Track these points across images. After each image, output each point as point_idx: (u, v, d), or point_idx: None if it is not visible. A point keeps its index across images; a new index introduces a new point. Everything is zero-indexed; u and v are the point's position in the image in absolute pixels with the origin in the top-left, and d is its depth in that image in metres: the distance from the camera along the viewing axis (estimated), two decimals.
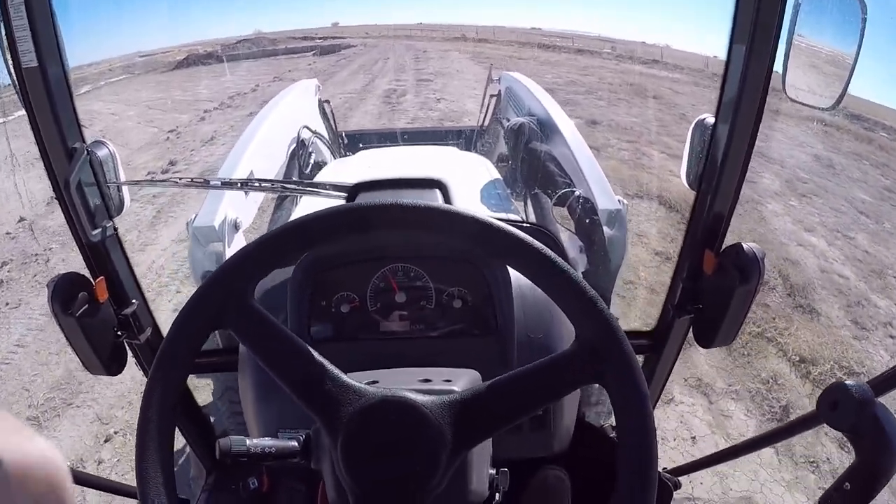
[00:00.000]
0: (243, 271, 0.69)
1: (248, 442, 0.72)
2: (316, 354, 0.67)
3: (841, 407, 0.76)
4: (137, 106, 13.00)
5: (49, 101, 1.01)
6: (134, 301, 1.24)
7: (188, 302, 0.68)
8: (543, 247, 0.66)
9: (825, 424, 0.81)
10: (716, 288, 1.16)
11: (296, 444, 0.74)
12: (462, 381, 0.77)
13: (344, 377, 0.66)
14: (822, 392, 0.79)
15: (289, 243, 0.70)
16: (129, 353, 1.26)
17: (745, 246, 1.10)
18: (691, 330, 1.29)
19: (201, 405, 1.49)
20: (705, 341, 1.24)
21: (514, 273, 1.05)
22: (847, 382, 0.76)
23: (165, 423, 0.66)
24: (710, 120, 1.13)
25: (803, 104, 1.08)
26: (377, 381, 0.75)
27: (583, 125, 8.12)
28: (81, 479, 1.20)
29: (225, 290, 0.68)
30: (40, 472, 0.35)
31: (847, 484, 0.77)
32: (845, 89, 1.00)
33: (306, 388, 0.66)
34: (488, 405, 0.64)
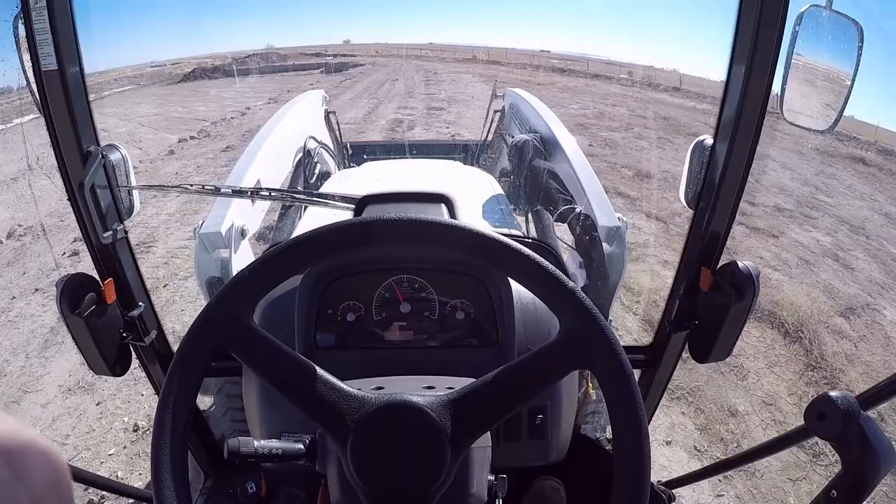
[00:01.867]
0: (240, 296, 0.71)
1: (255, 443, 0.74)
2: (318, 369, 0.70)
3: (827, 418, 0.79)
4: (131, 122, 12.63)
5: (67, 103, 1.03)
6: (141, 304, 1.26)
7: (190, 329, 0.71)
8: (517, 244, 0.70)
9: (814, 435, 0.82)
10: (711, 304, 1.18)
11: (301, 446, 0.76)
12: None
13: (345, 387, 0.69)
14: (809, 403, 0.81)
15: (283, 264, 0.72)
16: (134, 355, 1.28)
17: (740, 264, 1.13)
18: (687, 345, 1.31)
19: (201, 409, 1.50)
20: (700, 356, 1.26)
21: (515, 287, 1.07)
22: (833, 394, 0.79)
23: (177, 445, 0.68)
24: (709, 141, 1.15)
25: (800, 126, 1.10)
26: (383, 388, 0.78)
27: (633, 178, 7.61)
28: (82, 477, 1.20)
29: (224, 315, 0.71)
30: (41, 472, 0.36)
31: (834, 492, 0.79)
32: (842, 112, 1.03)
33: (311, 402, 0.69)
34: (485, 398, 0.68)
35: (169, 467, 0.66)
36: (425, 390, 0.76)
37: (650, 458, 0.64)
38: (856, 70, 0.99)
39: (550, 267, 0.69)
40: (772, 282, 4.67)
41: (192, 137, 10.34)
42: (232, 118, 12.63)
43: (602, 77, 26.36)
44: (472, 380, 0.84)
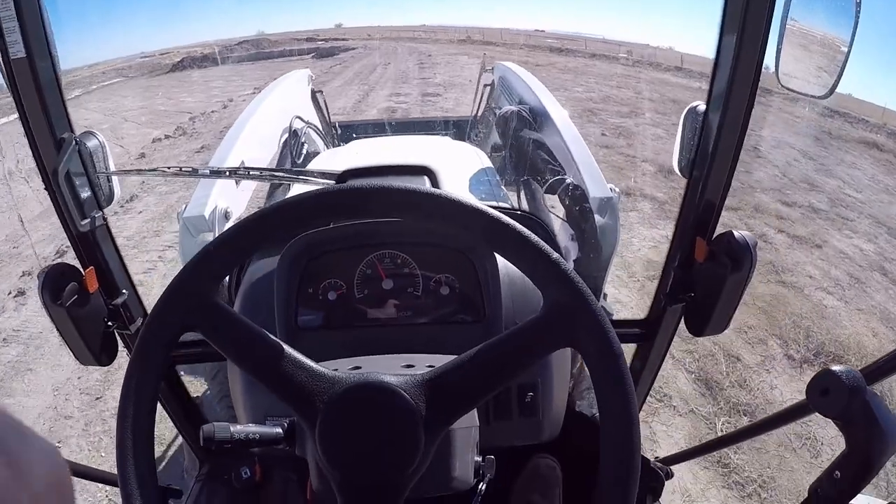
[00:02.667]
0: (204, 271, 0.68)
1: (231, 429, 0.72)
2: (286, 347, 0.67)
3: (831, 394, 0.75)
4: (115, 116, 12.15)
5: (38, 91, 1.00)
6: (124, 291, 1.24)
7: (155, 306, 0.68)
8: (496, 212, 0.66)
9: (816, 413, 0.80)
10: (707, 276, 1.16)
11: (280, 430, 0.75)
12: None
13: (315, 366, 0.66)
14: (811, 379, 0.78)
15: (249, 238, 0.69)
16: (120, 344, 1.26)
17: (736, 234, 1.11)
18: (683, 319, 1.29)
19: (194, 395, 1.49)
20: (697, 329, 1.24)
21: (501, 261, 1.05)
22: (837, 369, 0.75)
23: (143, 424, 0.65)
24: (702, 107, 1.13)
25: (796, 92, 1.08)
26: (360, 368, 0.76)
27: (657, 174, 6.87)
28: (78, 471, 1.20)
29: (188, 291, 0.67)
30: (41, 471, 0.34)
31: (837, 472, 0.76)
32: (839, 78, 1.00)
33: (279, 381, 0.65)
34: (463, 378, 0.64)
35: (132, 452, 0.63)
36: (404, 369, 0.75)
37: (640, 441, 0.61)
38: (853, 36, 0.96)
39: (532, 236, 0.65)
40: (828, 311, 4.22)
41: (167, 136, 9.72)
42: (212, 112, 11.94)
43: (601, 57, 26.04)
44: (453, 357, 0.82)
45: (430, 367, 0.73)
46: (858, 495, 0.77)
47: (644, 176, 6.98)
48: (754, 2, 0.96)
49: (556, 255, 0.64)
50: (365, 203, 0.67)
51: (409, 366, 0.77)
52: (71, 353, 1.18)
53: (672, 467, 1.43)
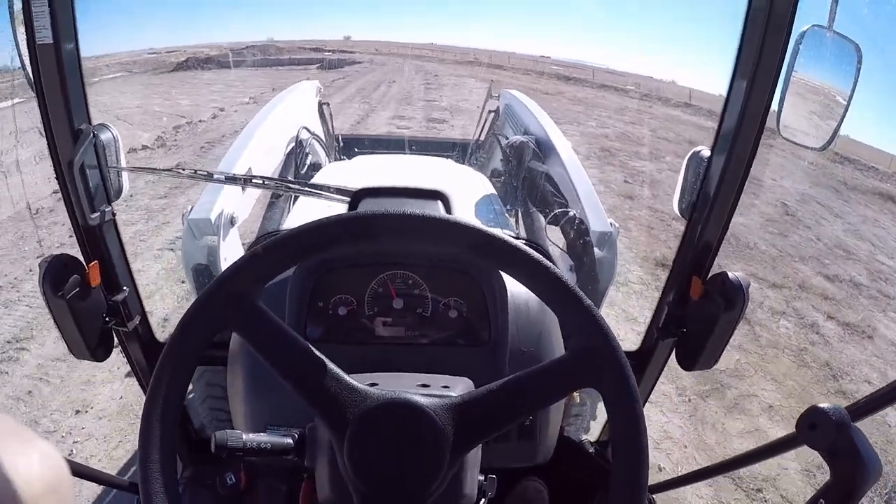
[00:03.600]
0: (251, 273, 0.70)
1: (244, 437, 0.72)
2: (323, 357, 0.69)
3: (819, 429, 0.79)
4: (109, 113, 11.56)
5: (60, 79, 1.00)
6: (125, 288, 1.23)
7: (194, 303, 0.69)
8: (541, 257, 0.69)
9: (805, 445, 0.83)
10: (701, 313, 1.19)
11: (290, 441, 0.75)
12: (459, 387, 0.79)
13: (348, 379, 0.68)
14: (801, 414, 0.81)
15: (298, 247, 0.71)
16: (116, 341, 1.26)
17: (730, 275, 1.14)
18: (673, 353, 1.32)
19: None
20: (687, 364, 1.27)
21: (509, 287, 1.07)
22: (825, 406, 0.79)
23: (169, 422, 0.67)
24: (705, 152, 1.17)
25: (796, 143, 1.12)
26: (377, 384, 0.77)
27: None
28: (78, 471, 1.19)
29: (232, 291, 0.69)
30: (40, 474, 0.35)
31: (822, 501, 0.79)
32: (837, 130, 1.04)
33: (311, 388, 0.67)
34: (489, 407, 0.67)
35: (158, 462, 0.65)
36: (420, 388, 0.76)
37: (647, 481, 0.65)
38: (853, 91, 1.00)
39: (569, 282, 0.68)
40: None
41: (144, 147, 9.09)
42: (200, 121, 11.36)
43: (609, 88, 26.06)
44: (463, 379, 0.83)
45: (444, 387, 0.76)
46: None
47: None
48: (767, 52, 0.99)
49: (588, 300, 0.67)
50: (442, 235, 0.71)
51: (424, 385, 0.78)
52: (66, 346, 1.18)
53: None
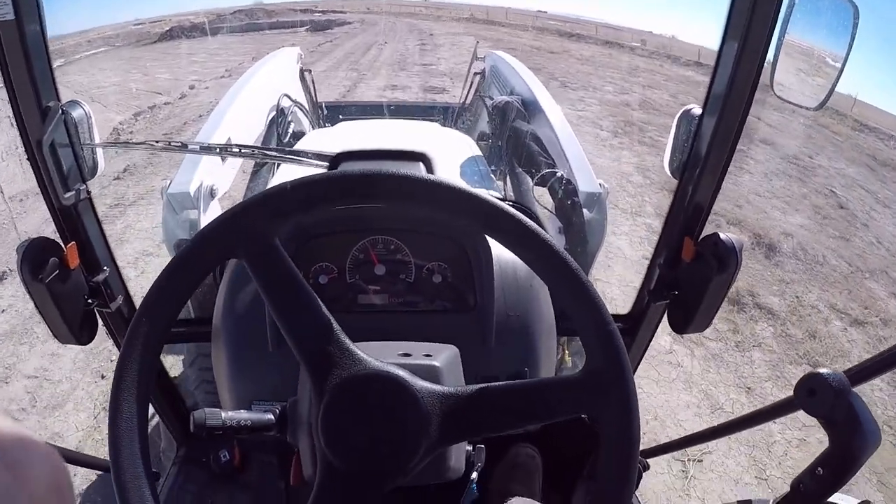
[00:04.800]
0: (273, 207, 0.67)
1: (223, 415, 0.71)
2: (327, 312, 0.66)
3: (818, 395, 0.78)
4: (85, 94, 10.42)
5: (25, 56, 0.97)
6: (105, 268, 1.21)
7: (202, 229, 0.67)
8: (578, 267, 0.65)
9: (801, 411, 0.82)
10: (693, 275, 1.18)
11: (271, 416, 0.73)
12: (442, 355, 0.77)
13: (349, 342, 0.65)
14: (799, 380, 0.80)
15: (325, 192, 0.67)
16: (100, 322, 1.24)
17: (723, 236, 1.13)
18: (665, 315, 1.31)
19: (172, 377, 1.48)
20: (679, 327, 1.26)
21: (494, 250, 1.05)
22: (824, 371, 0.78)
23: (147, 365, 0.65)
24: (697, 111, 1.14)
25: (790, 103, 1.10)
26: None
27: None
28: (71, 458, 1.18)
29: (247, 220, 0.66)
30: (41, 474, 0.35)
31: (820, 469, 0.79)
32: (832, 90, 1.02)
33: (307, 342, 0.65)
34: (480, 409, 0.63)
35: (127, 432, 0.62)
36: (401, 357, 0.74)
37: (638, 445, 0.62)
38: (848, 51, 0.98)
39: (601, 302, 0.64)
40: None
41: (114, 130, 8.08)
42: (166, 103, 10.17)
43: (613, 45, 25.37)
44: (448, 346, 0.81)
45: (426, 355, 0.73)
46: (835, 493, 0.80)
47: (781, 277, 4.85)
48: (759, 12, 0.96)
49: (613, 324, 0.64)
50: (468, 207, 0.67)
51: (405, 354, 0.76)
52: (49, 331, 1.16)
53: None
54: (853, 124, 13.82)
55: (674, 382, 3.21)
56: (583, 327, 0.64)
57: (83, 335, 1.18)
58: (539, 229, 0.66)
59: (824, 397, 0.77)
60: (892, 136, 13.86)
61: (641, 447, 1.45)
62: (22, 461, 0.34)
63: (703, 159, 1.11)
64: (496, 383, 0.64)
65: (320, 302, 0.66)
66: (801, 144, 10.03)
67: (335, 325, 0.66)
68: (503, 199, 1.46)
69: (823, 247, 5.62)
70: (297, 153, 1.35)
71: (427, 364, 0.72)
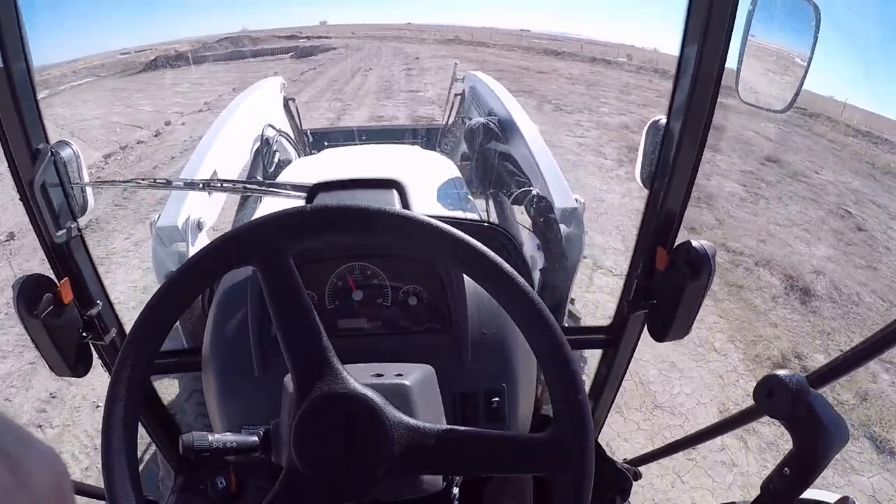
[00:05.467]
0: (288, 229, 0.72)
1: (210, 437, 0.74)
2: (322, 330, 0.70)
3: (776, 396, 0.80)
4: (66, 128, 10.84)
5: (13, 101, 1.00)
6: (98, 302, 1.24)
7: (221, 236, 0.72)
8: (557, 326, 0.68)
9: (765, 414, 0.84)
10: (668, 284, 1.21)
11: (256, 438, 0.76)
12: (413, 374, 0.80)
13: (336, 361, 0.69)
14: (757, 383, 0.83)
15: (342, 222, 0.72)
16: (95, 355, 1.26)
17: (695, 243, 1.15)
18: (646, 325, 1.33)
19: (166, 404, 1.49)
20: (659, 335, 1.28)
21: None
22: (781, 373, 0.80)
23: (138, 377, 0.70)
24: (664, 121, 1.17)
25: (757, 107, 1.13)
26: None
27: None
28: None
29: (267, 232, 0.71)
30: (41, 475, 0.35)
31: (786, 469, 0.81)
32: (798, 92, 1.05)
33: (299, 353, 0.69)
34: (445, 450, 0.67)
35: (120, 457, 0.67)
36: (373, 378, 0.77)
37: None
38: (812, 51, 1.01)
39: (574, 364, 0.67)
40: None
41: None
42: (139, 142, 9.92)
43: (600, 61, 25.26)
44: (421, 366, 0.85)
45: (398, 374, 0.77)
46: (813, 490, 0.82)
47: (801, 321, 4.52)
48: (715, 15, 0.99)
49: (584, 393, 0.67)
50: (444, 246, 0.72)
51: (378, 374, 0.79)
52: (46, 365, 1.18)
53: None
54: (846, 130, 13.87)
55: (730, 488, 2.86)
56: (554, 388, 0.67)
57: (78, 367, 1.20)
58: (516, 284, 0.69)
59: (782, 398, 0.79)
60: (885, 139, 13.92)
61: (630, 456, 1.48)
62: (23, 462, 0.34)
63: (671, 167, 1.14)
64: (465, 428, 0.68)
65: (319, 321, 0.70)
66: (805, 158, 9.91)
67: (327, 344, 0.69)
68: (480, 222, 1.49)
69: (854, 282, 5.32)
70: (276, 185, 1.40)
71: (397, 383, 0.75)
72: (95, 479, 2.52)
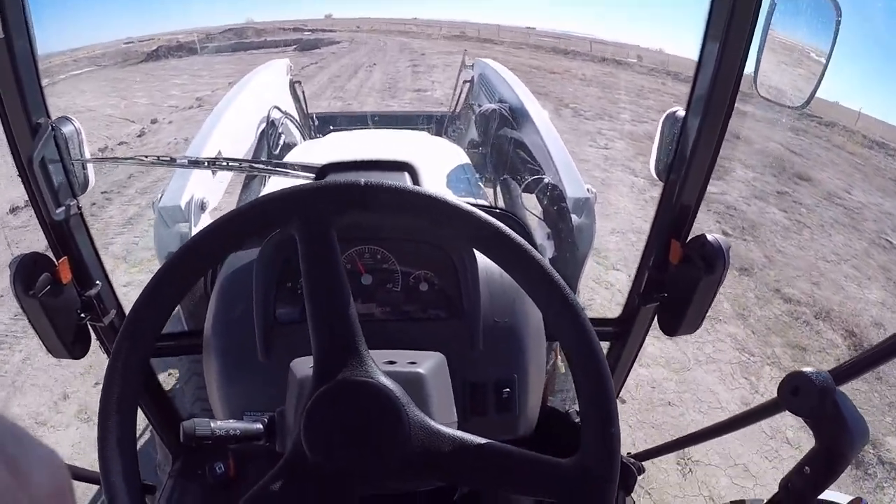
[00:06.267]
0: (334, 198, 0.69)
1: (212, 424, 0.71)
2: (354, 313, 0.67)
3: (801, 393, 0.78)
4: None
5: (14, 74, 0.98)
6: (98, 282, 1.21)
7: (252, 201, 0.69)
8: (597, 341, 0.65)
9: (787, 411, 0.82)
10: (681, 277, 1.19)
11: (260, 426, 0.74)
12: (426, 363, 0.78)
13: (364, 347, 0.67)
14: (782, 379, 0.81)
15: (394, 204, 0.69)
16: (93, 336, 1.24)
17: (710, 237, 1.13)
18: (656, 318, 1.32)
19: (165, 388, 1.47)
20: (670, 329, 1.27)
21: (480, 258, 1.06)
22: (807, 370, 0.79)
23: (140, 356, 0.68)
24: (681, 113, 1.15)
25: (774, 102, 1.11)
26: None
27: None
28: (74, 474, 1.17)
29: (316, 196, 0.68)
30: (41, 476, 0.34)
31: (807, 468, 0.80)
32: (815, 89, 1.04)
33: (326, 331, 0.66)
34: (461, 458, 0.64)
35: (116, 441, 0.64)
36: (386, 365, 0.74)
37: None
38: (831, 49, 0.99)
39: (612, 396, 0.64)
40: None
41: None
42: (122, 143, 9.14)
43: (610, 62, 24.97)
44: (433, 354, 0.83)
45: (410, 363, 0.75)
46: (826, 491, 0.80)
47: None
48: (739, 10, 0.98)
49: (617, 426, 0.64)
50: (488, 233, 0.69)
51: (390, 362, 0.77)
52: (42, 346, 1.16)
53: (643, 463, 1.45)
54: (862, 140, 13.75)
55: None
56: (587, 413, 0.65)
57: (76, 349, 1.18)
58: (581, 313, 0.66)
59: (808, 396, 0.77)
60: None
61: (635, 450, 1.46)
62: (23, 463, 0.33)
63: (687, 160, 1.12)
64: (485, 440, 0.64)
65: (353, 302, 0.68)
66: (833, 176, 9.62)
67: (357, 327, 0.67)
68: (491, 208, 1.47)
69: None
70: (284, 165, 1.36)
71: (411, 372, 0.73)
72: (91, 463, 2.50)
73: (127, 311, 0.72)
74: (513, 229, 0.69)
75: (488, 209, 1.42)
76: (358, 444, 0.62)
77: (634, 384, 3.34)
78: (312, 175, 1.19)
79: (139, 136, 9.70)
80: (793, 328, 4.47)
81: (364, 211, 0.69)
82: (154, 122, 10.45)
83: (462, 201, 0.70)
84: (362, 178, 0.69)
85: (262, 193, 2.05)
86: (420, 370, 0.74)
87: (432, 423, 0.64)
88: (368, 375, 0.64)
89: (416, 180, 1.14)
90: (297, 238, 0.68)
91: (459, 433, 0.65)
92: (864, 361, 0.92)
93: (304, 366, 0.75)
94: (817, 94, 1.05)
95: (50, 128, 1.07)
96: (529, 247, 0.67)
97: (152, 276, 0.68)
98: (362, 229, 1.10)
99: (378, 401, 0.63)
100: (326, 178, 0.71)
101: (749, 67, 1.05)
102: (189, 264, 0.69)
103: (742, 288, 4.83)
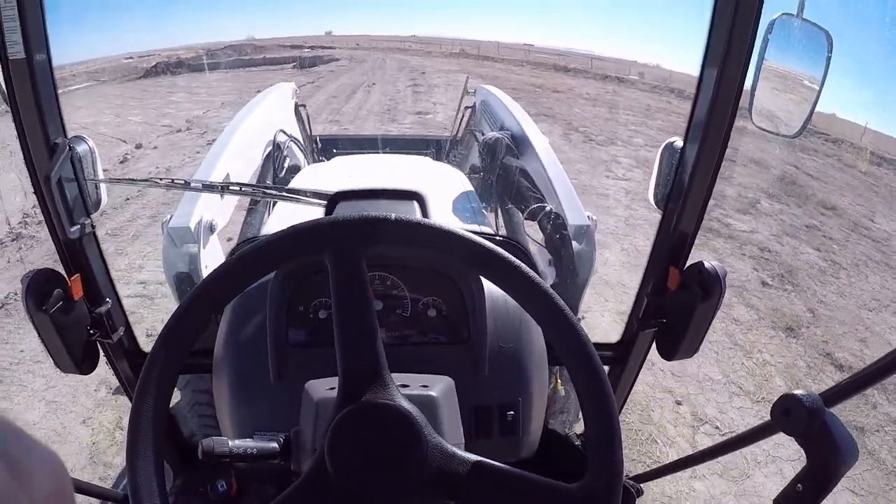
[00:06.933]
0: (362, 232, 0.73)
1: (230, 443, 0.73)
2: (379, 338, 0.71)
3: (793, 414, 0.81)
4: None
5: (34, 94, 1.00)
6: (108, 300, 1.23)
7: (285, 230, 0.74)
8: (603, 371, 0.69)
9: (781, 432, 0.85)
10: (679, 303, 1.21)
11: (276, 445, 0.76)
12: (437, 387, 0.81)
13: (388, 372, 0.70)
14: (775, 401, 0.84)
15: (409, 236, 0.74)
16: (101, 354, 1.26)
17: (706, 264, 1.16)
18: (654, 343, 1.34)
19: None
20: (668, 354, 1.29)
21: (486, 285, 1.08)
22: (798, 392, 0.81)
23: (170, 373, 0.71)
24: (679, 143, 1.18)
25: (769, 132, 1.14)
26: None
27: None
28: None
29: (350, 228, 0.73)
30: (41, 476, 0.35)
31: (799, 486, 0.82)
32: (809, 118, 1.07)
33: (353, 355, 0.70)
34: (474, 482, 0.67)
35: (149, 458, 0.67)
36: (399, 388, 0.76)
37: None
38: (824, 78, 1.02)
39: (615, 416, 0.68)
40: None
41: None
42: (104, 169, 6.94)
43: (612, 79, 25.02)
44: (443, 378, 0.86)
45: (423, 386, 0.78)
46: None
47: None
48: (736, 40, 1.01)
49: (621, 454, 0.68)
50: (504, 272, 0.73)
51: (403, 385, 0.79)
52: (51, 361, 1.17)
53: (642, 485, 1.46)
54: (871, 157, 13.53)
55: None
56: (593, 441, 0.69)
57: (84, 365, 1.20)
58: (588, 345, 0.71)
59: (799, 417, 0.80)
60: None
61: (634, 472, 1.47)
62: (23, 463, 0.34)
63: (685, 189, 1.15)
64: (498, 464, 0.68)
65: (378, 327, 0.72)
66: (853, 201, 9.04)
67: (381, 352, 0.71)
68: (495, 236, 1.49)
69: None
70: (295, 191, 1.39)
71: (425, 395, 0.76)
72: (89, 476, 2.49)
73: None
74: (517, 257, 0.72)
75: (490, 237, 1.44)
76: (380, 464, 0.65)
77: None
78: (324, 203, 1.21)
79: (121, 162, 9.17)
80: (847, 404, 3.75)
81: (393, 243, 0.74)
82: (139, 146, 10.06)
83: (484, 240, 0.74)
84: (374, 206, 0.73)
85: (268, 217, 2.07)
86: (433, 393, 0.77)
87: (448, 445, 0.68)
88: (391, 398, 0.67)
89: (424, 209, 1.16)
90: (328, 265, 0.72)
91: (474, 456, 0.68)
92: (854, 384, 0.94)
93: (320, 387, 0.79)
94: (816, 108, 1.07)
95: (67, 147, 1.09)
96: (551, 291, 0.72)
97: (186, 296, 0.72)
98: (370, 256, 1.12)
99: (401, 423, 0.66)
100: (356, 210, 0.74)
101: (745, 97, 1.08)
102: (225, 284, 0.74)
103: (791, 355, 4.24)
